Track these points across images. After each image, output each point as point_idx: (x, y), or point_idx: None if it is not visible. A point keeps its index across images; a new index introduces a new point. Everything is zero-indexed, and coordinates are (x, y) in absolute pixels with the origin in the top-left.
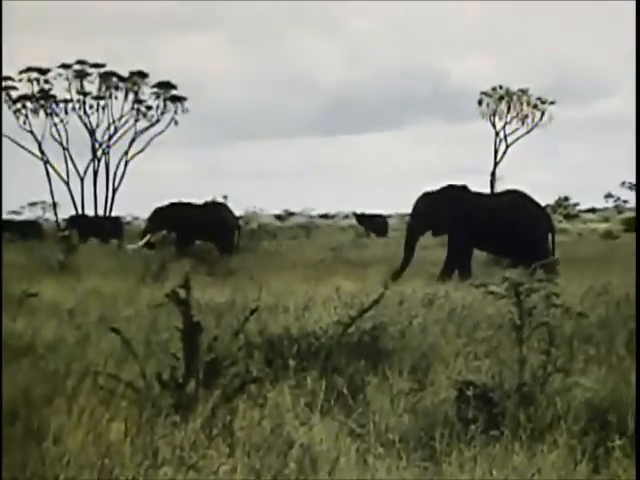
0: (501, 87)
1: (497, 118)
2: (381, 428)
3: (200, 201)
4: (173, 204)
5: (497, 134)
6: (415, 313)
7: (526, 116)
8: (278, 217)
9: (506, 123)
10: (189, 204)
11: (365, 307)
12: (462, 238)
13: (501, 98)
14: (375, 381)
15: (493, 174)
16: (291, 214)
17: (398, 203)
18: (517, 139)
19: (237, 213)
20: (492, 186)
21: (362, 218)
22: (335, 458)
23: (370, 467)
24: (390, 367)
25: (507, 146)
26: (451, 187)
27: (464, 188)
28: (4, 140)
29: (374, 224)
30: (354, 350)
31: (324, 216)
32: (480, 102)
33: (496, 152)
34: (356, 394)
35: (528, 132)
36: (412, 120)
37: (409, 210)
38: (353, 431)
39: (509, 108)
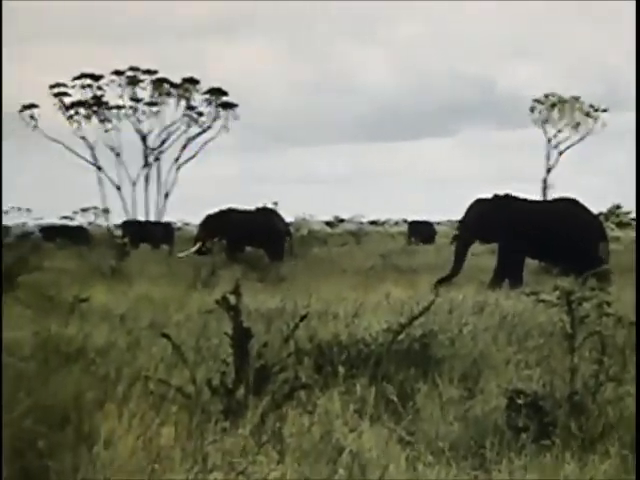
0: (553, 95)
1: (549, 125)
2: (431, 436)
3: (251, 207)
4: (224, 211)
5: (549, 141)
6: (465, 321)
7: (578, 123)
8: (328, 223)
9: (558, 131)
10: (240, 211)
11: (415, 314)
12: (513, 246)
13: (553, 105)
14: (425, 389)
15: (545, 181)
16: (341, 220)
17: (448, 210)
18: (569, 146)
19: (287, 219)
20: (544, 194)
21: (412, 225)
22: (385, 465)
23: (420, 475)
24: (440, 375)
25: (559, 153)
26: (503, 195)
27: (515, 196)
28: (58, 146)
29: (420, 231)
30: (404, 357)
31: (374, 223)
32: (532, 109)
33: (548, 159)
34: (406, 401)
35: (580, 140)
36: (462, 127)
37: (459, 217)
38: (403, 438)
39: (561, 115)
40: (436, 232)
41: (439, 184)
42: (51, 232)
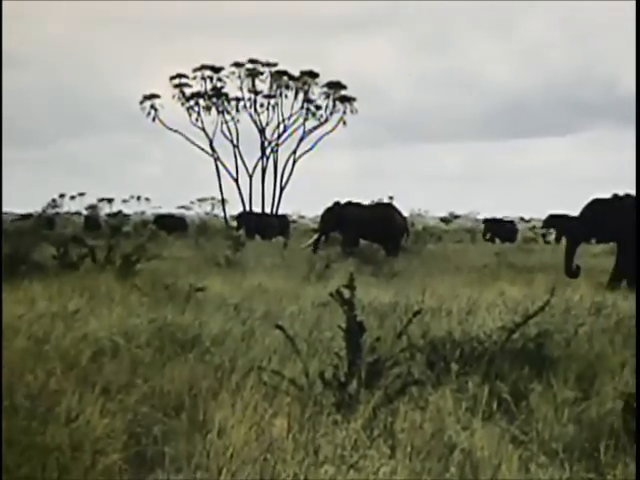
0: None
1: None
2: (544, 436)
3: (367, 201)
4: (343, 204)
5: None
6: (582, 321)
7: None
8: (443, 220)
9: None
10: (359, 205)
11: (530, 313)
12: (631, 246)
13: None
14: (539, 389)
15: None
16: (456, 217)
17: (568, 208)
18: None
19: None
20: None
21: (490, 223)
22: (497, 465)
23: (532, 475)
24: (555, 375)
25: None
26: (622, 195)
27: (634, 196)
28: (177, 136)
29: (502, 230)
30: (518, 356)
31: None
32: None
33: None
34: (519, 401)
35: None
36: (584, 126)
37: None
38: (515, 438)
39: None
40: (517, 231)
41: (559, 183)
42: (157, 220)
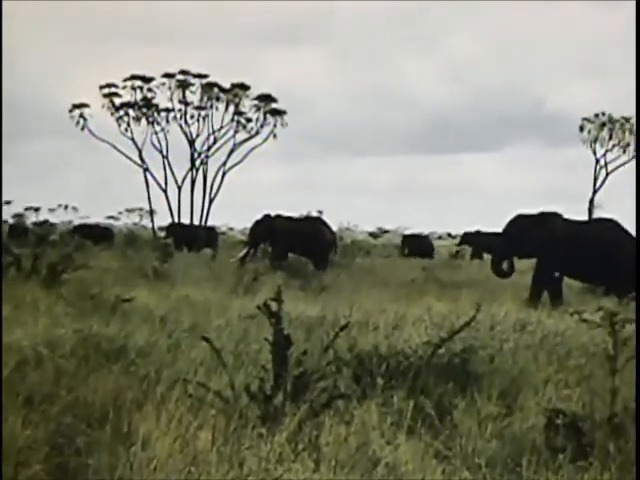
0: (603, 114)
1: (598, 145)
2: (468, 451)
3: (297, 215)
4: (272, 217)
5: (597, 161)
6: (506, 337)
7: (628, 144)
8: (371, 234)
9: (607, 151)
10: (288, 218)
11: (456, 329)
12: (551, 264)
13: (603, 125)
14: (463, 404)
15: (591, 201)
16: (385, 232)
17: (494, 225)
18: (618, 167)
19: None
20: (590, 213)
21: (408, 239)
22: (421, 479)
23: None
24: (479, 391)
25: (607, 174)
26: (544, 213)
27: (556, 214)
28: (106, 146)
29: (419, 245)
30: (443, 372)
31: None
32: (581, 128)
33: (595, 179)
34: (443, 416)
35: (629, 161)
36: (511, 143)
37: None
38: (439, 453)
39: (611, 136)
40: (434, 247)
41: (487, 198)
42: (80, 230)
